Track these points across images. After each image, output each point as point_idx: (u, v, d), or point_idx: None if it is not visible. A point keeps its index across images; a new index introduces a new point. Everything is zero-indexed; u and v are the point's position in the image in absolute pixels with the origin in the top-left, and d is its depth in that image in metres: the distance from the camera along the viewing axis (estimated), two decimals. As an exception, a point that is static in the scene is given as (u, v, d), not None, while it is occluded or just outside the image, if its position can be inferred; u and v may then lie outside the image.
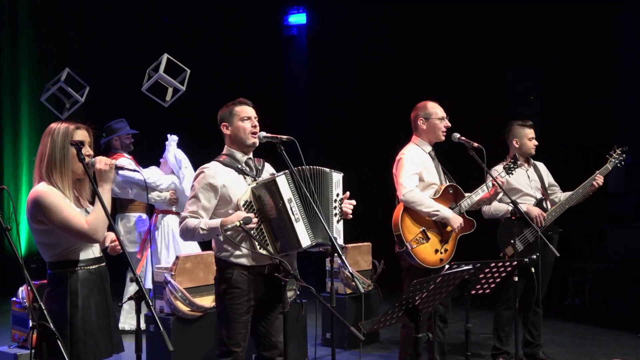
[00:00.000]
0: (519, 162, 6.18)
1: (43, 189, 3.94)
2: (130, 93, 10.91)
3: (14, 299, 5.81)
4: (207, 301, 6.33)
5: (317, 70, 12.70)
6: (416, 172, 5.88)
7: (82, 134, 4.06)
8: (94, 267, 4.07)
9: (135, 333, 3.69)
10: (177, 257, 6.39)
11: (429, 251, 5.79)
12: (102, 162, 4.01)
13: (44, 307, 3.35)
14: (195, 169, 8.32)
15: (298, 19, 13.18)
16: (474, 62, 10.59)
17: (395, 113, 10.35)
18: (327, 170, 4.74)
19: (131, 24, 12.18)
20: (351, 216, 4.80)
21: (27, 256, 11.38)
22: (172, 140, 8.48)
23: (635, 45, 10.15)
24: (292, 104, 12.81)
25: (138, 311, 3.68)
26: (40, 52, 11.72)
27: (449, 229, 5.84)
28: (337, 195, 4.76)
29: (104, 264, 4.17)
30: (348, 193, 4.81)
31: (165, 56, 8.89)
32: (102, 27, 12.06)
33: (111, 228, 4.03)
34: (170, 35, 12.10)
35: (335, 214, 4.69)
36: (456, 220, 5.79)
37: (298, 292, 6.75)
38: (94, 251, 4.10)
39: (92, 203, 4.13)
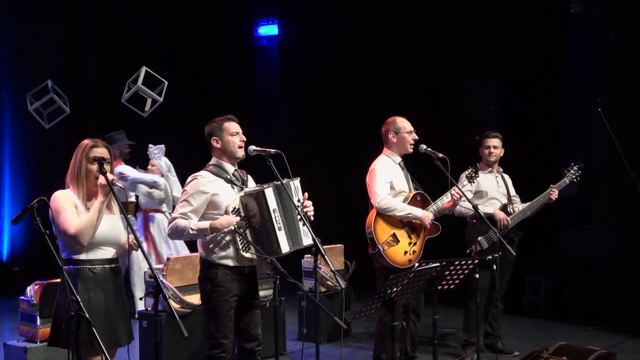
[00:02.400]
0: (477, 174, 6.88)
1: (58, 193, 4.61)
2: (108, 104, 11.45)
3: (22, 297, 6.35)
4: (195, 299, 6.89)
5: (288, 81, 13.13)
6: (387, 181, 6.57)
7: (100, 151, 4.67)
8: (99, 267, 4.65)
9: (154, 321, 4.28)
10: (168, 259, 6.97)
11: (399, 252, 6.46)
12: (102, 178, 4.59)
13: (76, 298, 3.95)
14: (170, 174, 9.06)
15: (268, 30, 13.69)
16: (436, 75, 11.19)
17: (364, 123, 11.03)
18: (285, 180, 5.19)
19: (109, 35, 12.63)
20: (312, 217, 5.31)
21: (10, 260, 11.85)
22: (159, 148, 9.11)
23: (583, 58, 10.82)
24: (263, 114, 13.28)
25: (156, 303, 4.28)
26: (20, 65, 12.13)
27: (417, 234, 6.52)
28: (299, 200, 5.28)
29: (113, 265, 4.74)
30: (307, 194, 5.35)
31: (143, 69, 9.41)
32: (82, 40, 12.51)
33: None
34: (147, 46, 12.60)
35: (300, 219, 5.20)
36: (427, 217, 6.50)
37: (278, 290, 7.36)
38: (102, 253, 4.68)
39: (121, 212, 4.76)
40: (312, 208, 5.34)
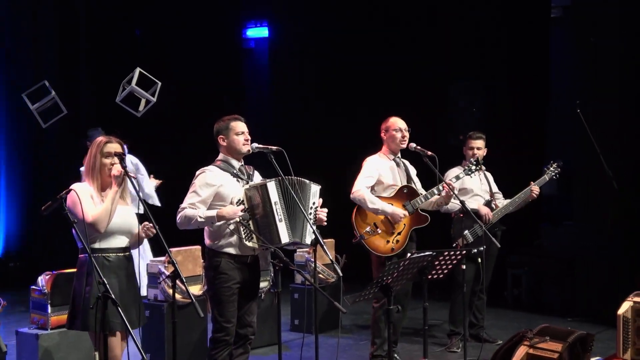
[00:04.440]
0: (480, 165, 7.29)
1: (76, 186, 4.97)
2: (102, 104, 11.73)
3: (33, 286, 6.67)
4: (195, 289, 7.25)
5: (277, 85, 13.44)
6: (371, 176, 7.02)
7: (113, 147, 5.06)
8: (112, 255, 5.04)
9: (172, 304, 4.64)
10: (170, 250, 7.30)
11: (381, 241, 6.93)
12: (115, 169, 5.01)
13: (103, 281, 4.31)
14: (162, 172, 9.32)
15: (257, 32, 13.99)
16: (423, 79, 11.52)
17: (353, 126, 11.42)
18: (307, 182, 5.70)
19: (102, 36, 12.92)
20: (325, 223, 5.78)
21: (6, 255, 12.12)
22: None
23: (563, 62, 11.21)
24: (251, 116, 13.50)
25: (174, 287, 4.65)
26: (14, 64, 12.39)
27: (401, 224, 6.93)
28: (314, 203, 5.73)
29: (126, 253, 5.13)
30: (321, 200, 5.80)
31: (137, 70, 9.68)
32: (77, 40, 12.79)
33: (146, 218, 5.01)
34: (141, 47, 12.90)
35: (311, 219, 5.63)
36: (397, 214, 6.90)
37: (272, 282, 7.76)
38: (116, 242, 5.06)
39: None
40: (325, 214, 5.75)
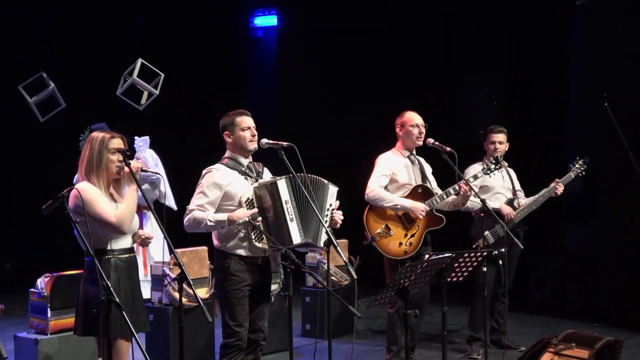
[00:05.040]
0: (500, 164, 7.23)
1: (82, 186, 4.91)
2: (103, 95, 11.76)
3: (32, 289, 6.69)
4: (202, 292, 7.28)
5: (286, 75, 13.46)
6: (385, 174, 7.01)
7: (117, 142, 5.05)
8: (124, 256, 5.03)
9: (178, 308, 4.67)
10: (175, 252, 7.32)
11: (393, 243, 6.93)
12: (132, 166, 4.97)
13: (109, 284, 4.33)
14: (165, 167, 9.33)
15: (265, 21, 14.00)
16: (438, 71, 11.55)
17: (366, 119, 11.41)
18: (326, 182, 5.72)
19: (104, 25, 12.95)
20: (339, 225, 5.78)
21: (1, 256, 12.18)
22: (144, 140, 9.36)
23: (585, 52, 11.17)
24: (258, 109, 13.52)
25: (180, 291, 4.67)
26: (9, 54, 12.45)
27: (415, 226, 6.92)
28: (330, 205, 5.74)
29: (133, 254, 5.13)
30: (338, 202, 5.80)
31: (139, 61, 9.68)
32: (76, 31, 12.83)
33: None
34: (143, 37, 12.93)
35: (326, 221, 5.64)
36: (417, 208, 6.88)
37: (282, 285, 7.77)
38: (125, 242, 5.05)
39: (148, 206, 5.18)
40: (341, 216, 5.76)
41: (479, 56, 11.25)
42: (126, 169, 4.97)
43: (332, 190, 5.77)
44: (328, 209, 5.71)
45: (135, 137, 9.39)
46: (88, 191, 4.88)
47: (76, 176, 8.70)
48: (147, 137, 9.34)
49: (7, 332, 7.52)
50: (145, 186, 9.05)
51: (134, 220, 5.09)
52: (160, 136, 11.17)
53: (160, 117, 12.09)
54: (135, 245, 5.20)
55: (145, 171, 5.39)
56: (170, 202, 9.17)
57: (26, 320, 7.05)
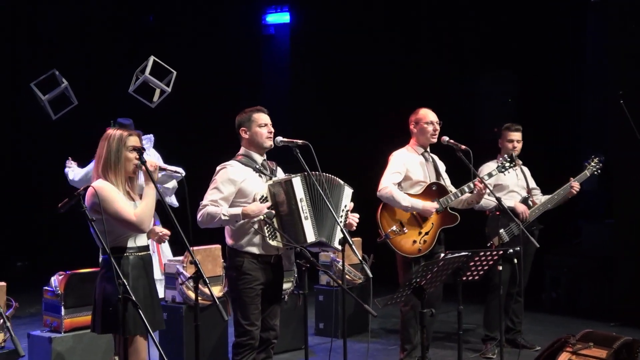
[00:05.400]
0: (515, 162, 7.24)
1: (100, 185, 4.93)
2: (114, 94, 11.79)
3: (46, 287, 6.73)
4: (215, 291, 7.29)
5: (299, 74, 13.45)
6: (398, 171, 7.01)
7: (134, 140, 5.07)
8: (141, 253, 5.07)
9: (194, 307, 4.69)
10: (187, 250, 7.35)
11: (407, 241, 6.94)
12: (149, 164, 5.01)
13: (123, 282, 4.35)
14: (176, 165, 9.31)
15: (277, 18, 14.01)
16: (452, 68, 11.55)
17: (381, 116, 11.41)
18: (342, 182, 5.75)
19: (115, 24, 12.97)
20: (355, 228, 5.82)
21: (12, 254, 12.22)
22: (147, 138, 9.31)
23: (600, 49, 11.16)
24: (271, 108, 13.53)
25: (196, 289, 4.69)
26: (13, 53, 12.48)
27: (429, 224, 6.93)
28: (345, 206, 5.76)
29: (149, 251, 5.16)
30: (352, 204, 5.82)
31: (151, 58, 9.70)
32: (87, 28, 12.86)
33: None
34: (155, 35, 12.96)
35: (341, 222, 5.65)
36: (428, 210, 6.89)
37: (295, 284, 7.79)
38: (141, 240, 5.09)
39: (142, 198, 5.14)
40: (356, 219, 5.80)
41: (493, 53, 11.22)
42: (152, 165, 5.01)
43: (348, 191, 5.79)
44: (343, 210, 5.73)
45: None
46: (106, 189, 4.91)
47: (67, 170, 8.82)
48: (151, 136, 9.29)
49: (20, 331, 7.53)
50: (172, 183, 8.92)
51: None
52: (170, 135, 11.24)
53: (171, 115, 12.12)
54: (150, 241, 5.22)
55: (165, 169, 5.38)
56: (172, 199, 9.17)
57: (40, 319, 7.09)
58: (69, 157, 8.70)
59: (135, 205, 5.01)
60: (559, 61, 11.14)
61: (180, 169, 8.51)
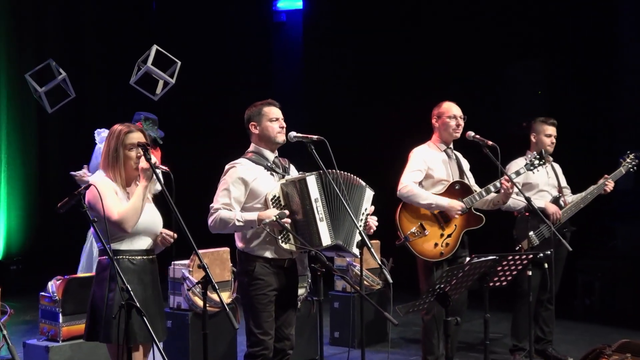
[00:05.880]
0: (544, 160, 7.19)
1: (96, 179, 4.98)
2: (116, 85, 11.84)
3: (43, 293, 6.76)
4: (224, 297, 7.31)
5: (312, 63, 13.45)
6: (419, 169, 6.99)
7: (135, 137, 5.06)
8: (137, 257, 5.05)
9: (202, 314, 4.70)
10: (193, 253, 7.37)
11: (428, 244, 6.91)
12: (143, 162, 4.98)
13: (127, 287, 4.37)
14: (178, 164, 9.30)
15: (289, 4, 14.00)
16: (477, 57, 11.55)
17: (399, 110, 11.41)
18: (364, 184, 5.74)
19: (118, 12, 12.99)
20: (373, 231, 5.80)
21: (7, 257, 12.27)
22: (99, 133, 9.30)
23: (634, 38, 11.18)
24: (282, 99, 13.52)
25: (204, 295, 4.71)
26: (17, 44, 12.51)
27: (452, 225, 6.93)
28: (366, 209, 5.75)
29: (150, 257, 5.13)
30: (373, 207, 5.80)
31: (154, 47, 9.68)
32: (84, 16, 12.88)
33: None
34: (158, 22, 12.98)
35: (360, 225, 5.63)
36: (453, 207, 6.85)
37: (309, 290, 7.80)
38: (141, 243, 5.08)
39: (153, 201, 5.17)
40: (375, 221, 5.78)
41: (521, 41, 11.19)
42: (141, 164, 4.98)
43: (369, 193, 5.78)
44: (363, 214, 5.71)
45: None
46: (100, 184, 4.93)
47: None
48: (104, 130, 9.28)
49: (16, 339, 7.51)
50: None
51: (156, 219, 5.13)
52: (173, 130, 11.24)
53: (174, 108, 12.14)
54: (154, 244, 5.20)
55: (157, 167, 5.30)
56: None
57: (36, 327, 7.10)
58: (85, 166, 8.67)
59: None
60: (592, 49, 11.10)
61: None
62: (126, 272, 4.89)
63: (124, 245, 5.01)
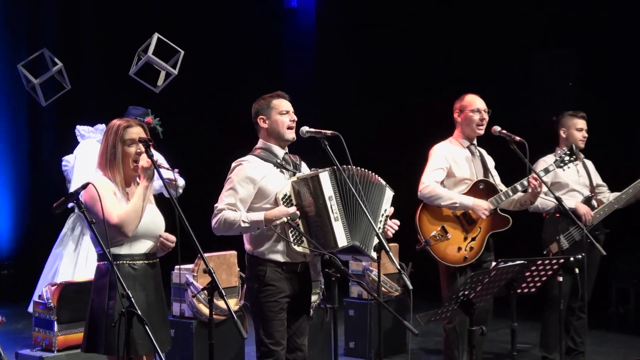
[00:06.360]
0: (575, 156, 7.16)
1: (93, 180, 4.94)
2: (115, 76, 11.84)
3: (36, 299, 6.77)
4: (231, 304, 7.34)
5: (325, 52, 13.45)
6: (440, 167, 7.00)
7: (135, 131, 5.06)
8: (138, 262, 5.06)
9: (208, 323, 4.72)
10: (198, 257, 7.39)
11: (451, 248, 6.91)
12: (143, 159, 4.97)
13: (127, 293, 4.39)
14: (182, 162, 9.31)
15: (300, -10, 14.04)
16: (503, 46, 11.55)
17: (419, 104, 11.40)
18: (384, 183, 5.72)
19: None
20: (391, 235, 5.78)
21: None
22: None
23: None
24: (293, 91, 13.52)
25: (211, 301, 4.73)
26: (11, 33, 12.57)
27: (476, 228, 6.93)
28: (385, 210, 5.72)
29: (152, 261, 5.14)
30: (392, 209, 5.77)
31: (155, 36, 9.67)
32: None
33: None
34: (159, 9, 13.01)
35: (379, 228, 5.61)
36: (479, 206, 6.84)
37: (322, 296, 7.81)
38: (142, 247, 5.08)
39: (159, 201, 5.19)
40: (395, 225, 5.76)
41: (551, 29, 11.18)
42: (141, 162, 4.97)
43: (389, 194, 5.76)
44: (382, 215, 5.69)
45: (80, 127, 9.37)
46: (98, 185, 4.90)
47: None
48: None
49: (7, 349, 7.53)
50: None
51: (158, 221, 5.15)
52: (175, 125, 11.27)
53: (177, 101, 12.16)
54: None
55: (160, 166, 5.25)
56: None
57: (29, 335, 7.12)
58: None
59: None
60: (626, 38, 11.06)
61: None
62: (127, 278, 4.89)
63: (124, 250, 5.02)
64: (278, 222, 5.39)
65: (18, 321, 9.69)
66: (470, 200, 6.87)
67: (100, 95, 12.81)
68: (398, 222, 5.79)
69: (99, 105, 12.55)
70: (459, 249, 6.92)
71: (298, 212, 5.44)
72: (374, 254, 5.61)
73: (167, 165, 5.10)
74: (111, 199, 4.95)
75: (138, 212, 4.94)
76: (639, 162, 8.45)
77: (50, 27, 12.64)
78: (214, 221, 5.57)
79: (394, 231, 5.78)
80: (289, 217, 5.37)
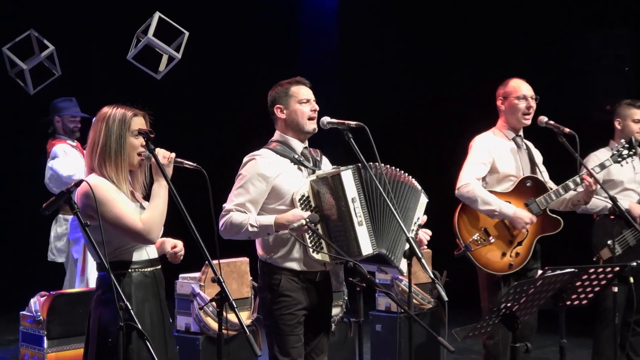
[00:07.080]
0: (635, 150, 7.10)
1: (95, 182, 4.81)
2: (111, 61, 11.89)
3: (24, 312, 6.78)
4: (242, 317, 7.32)
5: (348, 42, 13.43)
6: (482, 162, 6.95)
7: (140, 122, 4.99)
8: (149, 269, 4.99)
9: (217, 337, 4.70)
10: (206, 265, 7.38)
11: (494, 254, 6.87)
12: (160, 155, 4.90)
13: (126, 305, 4.37)
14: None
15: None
16: (548, 27, 11.51)
17: (451, 96, 11.38)
18: (418, 187, 5.65)
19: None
20: (425, 245, 5.74)
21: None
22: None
23: None
24: (314, 76, 13.48)
25: (220, 314, 4.70)
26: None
27: (522, 232, 6.88)
28: (418, 219, 5.65)
29: (159, 266, 5.09)
30: (426, 217, 5.70)
31: (156, 15, 9.65)
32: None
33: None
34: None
35: (411, 236, 5.45)
36: (520, 219, 6.77)
37: (345, 309, 7.79)
38: (149, 252, 5.03)
39: (147, 198, 5.05)
40: (427, 236, 5.72)
41: (605, 6, 11.14)
42: (166, 158, 4.92)
43: (423, 200, 5.70)
44: (415, 222, 5.63)
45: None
46: (103, 188, 4.81)
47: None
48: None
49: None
50: None
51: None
52: (180, 116, 11.28)
53: (182, 89, 12.17)
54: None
55: (181, 163, 5.19)
56: None
57: (16, 351, 7.13)
58: None
59: (140, 209, 4.95)
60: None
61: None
62: (140, 287, 4.90)
63: (138, 255, 4.97)
64: (296, 224, 5.26)
65: (6, 333, 9.70)
66: (512, 210, 6.80)
67: (95, 81, 12.81)
68: (430, 233, 5.74)
69: (94, 93, 12.56)
70: (504, 254, 6.87)
71: (317, 215, 5.37)
72: (403, 266, 5.54)
73: (189, 162, 4.97)
74: (126, 202, 4.88)
75: (163, 215, 4.90)
76: None
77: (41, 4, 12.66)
78: (220, 223, 5.55)
79: (426, 242, 5.73)
80: (307, 220, 5.25)
